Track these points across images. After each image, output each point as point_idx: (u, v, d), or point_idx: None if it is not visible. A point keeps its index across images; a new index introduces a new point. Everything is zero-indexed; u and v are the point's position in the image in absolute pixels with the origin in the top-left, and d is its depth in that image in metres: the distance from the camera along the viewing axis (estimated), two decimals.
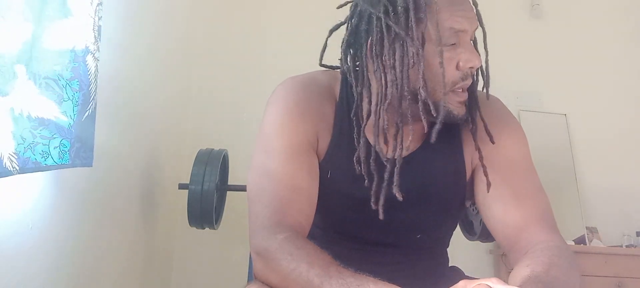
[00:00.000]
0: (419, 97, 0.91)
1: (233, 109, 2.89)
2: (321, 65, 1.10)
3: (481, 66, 0.98)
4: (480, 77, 1.02)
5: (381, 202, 0.94)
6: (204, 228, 2.20)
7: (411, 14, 0.89)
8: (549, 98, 3.08)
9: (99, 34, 1.23)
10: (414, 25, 0.89)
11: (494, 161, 0.99)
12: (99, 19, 1.22)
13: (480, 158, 0.98)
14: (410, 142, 0.95)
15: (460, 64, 0.92)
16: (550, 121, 3.04)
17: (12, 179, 0.99)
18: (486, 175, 0.97)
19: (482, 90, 1.04)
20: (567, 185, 2.91)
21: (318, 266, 0.79)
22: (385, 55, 0.92)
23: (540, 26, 3.15)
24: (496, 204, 0.97)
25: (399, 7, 0.90)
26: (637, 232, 2.78)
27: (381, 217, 0.94)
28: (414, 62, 0.89)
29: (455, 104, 0.94)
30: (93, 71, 1.17)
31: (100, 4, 1.23)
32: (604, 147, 3.00)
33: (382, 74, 0.93)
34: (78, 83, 1.10)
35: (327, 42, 1.06)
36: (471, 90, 0.99)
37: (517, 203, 0.95)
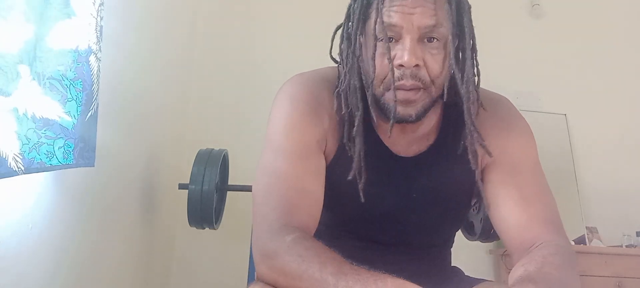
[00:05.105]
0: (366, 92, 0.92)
1: (233, 109, 2.89)
2: (331, 57, 1.09)
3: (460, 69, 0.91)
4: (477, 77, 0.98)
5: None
6: (204, 228, 2.19)
7: (362, 10, 0.90)
8: (549, 98, 3.09)
9: (101, 34, 1.23)
10: (357, 23, 0.90)
11: (501, 162, 0.99)
12: (100, 19, 1.22)
13: (483, 159, 0.98)
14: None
15: (394, 61, 0.87)
16: (550, 121, 3.05)
17: (12, 179, 0.99)
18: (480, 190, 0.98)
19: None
20: (567, 185, 2.91)
21: (330, 265, 0.77)
22: (343, 53, 0.94)
23: (540, 26, 3.15)
24: (502, 205, 0.97)
25: (357, 4, 0.91)
26: (637, 232, 2.78)
27: (362, 200, 0.94)
28: (353, 58, 0.91)
29: (392, 103, 0.88)
30: (95, 71, 1.17)
31: (102, 4, 1.22)
32: (603, 147, 3.01)
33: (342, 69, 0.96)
34: (81, 83, 1.10)
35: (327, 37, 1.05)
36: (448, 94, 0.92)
37: (523, 204, 0.95)
